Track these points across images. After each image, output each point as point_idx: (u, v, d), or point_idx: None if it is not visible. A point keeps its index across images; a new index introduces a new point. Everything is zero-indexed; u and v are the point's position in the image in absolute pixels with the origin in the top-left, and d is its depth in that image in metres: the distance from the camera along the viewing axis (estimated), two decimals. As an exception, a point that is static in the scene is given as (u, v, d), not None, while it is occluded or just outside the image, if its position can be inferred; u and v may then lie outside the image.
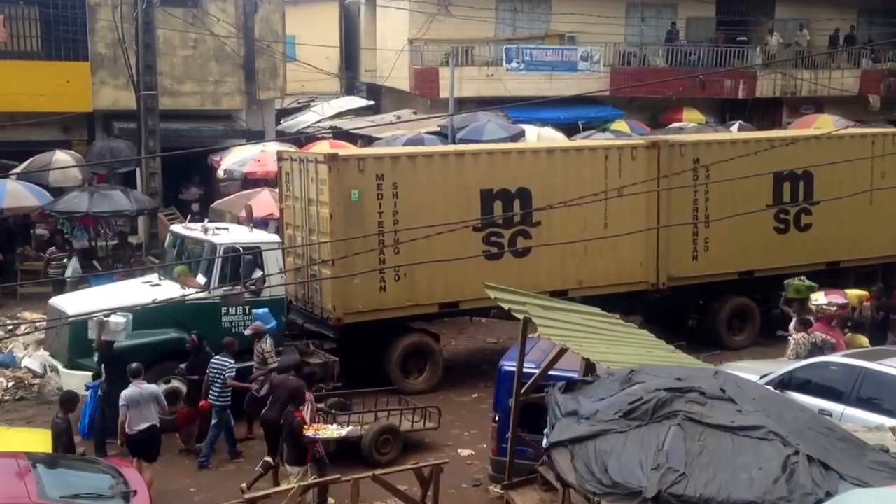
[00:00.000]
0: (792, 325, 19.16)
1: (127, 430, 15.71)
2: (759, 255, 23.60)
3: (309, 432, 14.99)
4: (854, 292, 21.03)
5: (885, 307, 21.97)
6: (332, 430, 15.79)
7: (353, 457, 16.88)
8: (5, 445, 14.88)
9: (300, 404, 15.41)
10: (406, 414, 17.91)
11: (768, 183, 23.38)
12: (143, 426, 15.74)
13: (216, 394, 17.42)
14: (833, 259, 24.38)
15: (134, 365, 16.23)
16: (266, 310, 18.78)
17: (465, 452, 17.81)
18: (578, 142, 28.17)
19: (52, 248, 26.88)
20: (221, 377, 17.37)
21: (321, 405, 17.33)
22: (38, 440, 15.49)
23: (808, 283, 20.45)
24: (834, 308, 19.40)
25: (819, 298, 19.77)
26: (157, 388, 16.49)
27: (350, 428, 16.40)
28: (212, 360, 17.58)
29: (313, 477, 14.70)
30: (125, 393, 15.79)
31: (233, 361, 17.57)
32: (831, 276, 23.64)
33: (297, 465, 14.93)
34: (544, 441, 13.82)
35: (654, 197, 22.30)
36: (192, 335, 18.03)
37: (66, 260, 26.32)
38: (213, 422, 17.51)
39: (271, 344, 18.29)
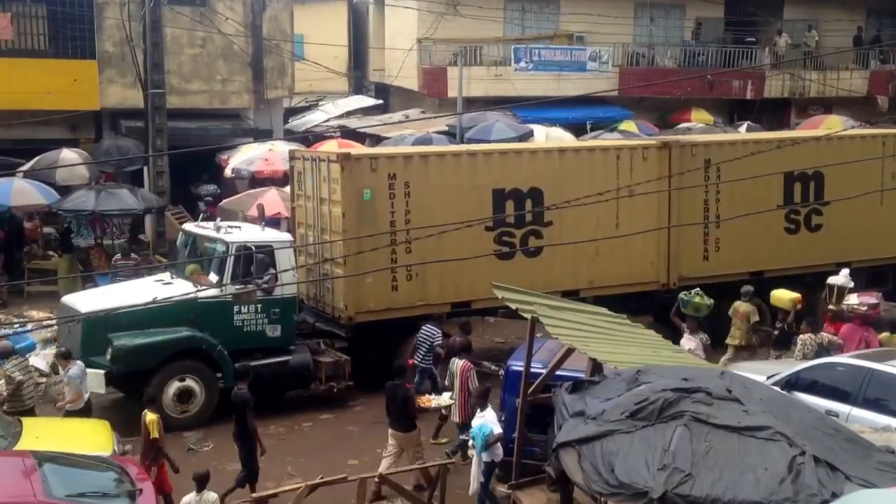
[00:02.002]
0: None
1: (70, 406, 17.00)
2: (770, 255, 23.56)
3: (423, 404, 16.48)
4: (787, 295, 20.80)
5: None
6: (437, 400, 17.12)
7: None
8: (64, 436, 15.47)
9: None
10: None
11: (779, 183, 23.36)
12: (86, 398, 17.22)
13: (421, 357, 19.35)
14: (843, 260, 24.17)
15: (63, 349, 17.75)
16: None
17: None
18: (590, 142, 28.14)
19: (118, 256, 26.95)
20: (429, 343, 19.31)
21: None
22: (95, 429, 15.96)
23: (707, 300, 20.14)
24: (865, 308, 19.28)
25: (851, 298, 19.66)
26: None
27: (449, 394, 17.24)
28: (423, 328, 19.55)
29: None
30: (77, 372, 17.13)
31: (440, 332, 19.39)
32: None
33: (405, 431, 15.97)
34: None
35: (666, 197, 22.28)
36: None
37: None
38: (416, 380, 19.01)
39: (15, 365, 17.42)
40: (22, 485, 12.25)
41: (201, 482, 13.62)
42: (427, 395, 17.25)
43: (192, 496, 13.61)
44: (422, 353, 19.42)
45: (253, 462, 15.56)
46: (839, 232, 24.26)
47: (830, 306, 20.44)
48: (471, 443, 14.98)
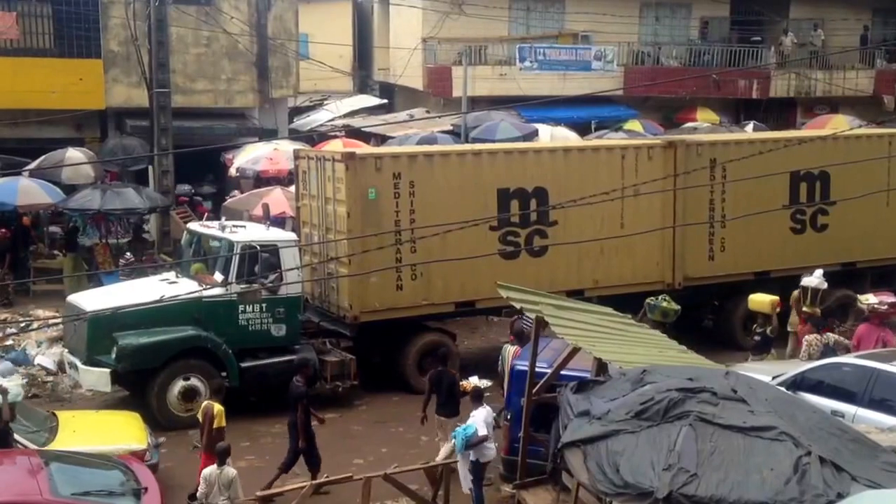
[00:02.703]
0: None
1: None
2: (776, 255, 23.52)
3: (466, 388, 16.66)
4: (767, 298, 20.69)
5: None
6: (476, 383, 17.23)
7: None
8: (99, 430, 15.79)
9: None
10: None
11: (785, 183, 23.31)
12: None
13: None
14: (849, 259, 24.29)
15: None
16: None
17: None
18: (595, 141, 28.12)
19: (128, 255, 26.97)
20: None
21: None
22: (128, 421, 16.20)
23: (675, 306, 19.83)
24: (885, 307, 19.22)
25: (870, 298, 19.59)
26: None
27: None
28: (523, 319, 18.48)
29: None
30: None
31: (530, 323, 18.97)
32: (848, 277, 23.61)
33: (450, 416, 16.45)
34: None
35: (671, 197, 22.23)
36: None
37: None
38: None
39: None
40: (28, 483, 12.35)
41: (223, 456, 13.71)
42: (467, 380, 17.28)
43: (213, 468, 13.73)
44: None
45: (313, 449, 15.93)
46: (845, 232, 24.20)
47: (804, 308, 20.41)
48: (451, 441, 15.01)
